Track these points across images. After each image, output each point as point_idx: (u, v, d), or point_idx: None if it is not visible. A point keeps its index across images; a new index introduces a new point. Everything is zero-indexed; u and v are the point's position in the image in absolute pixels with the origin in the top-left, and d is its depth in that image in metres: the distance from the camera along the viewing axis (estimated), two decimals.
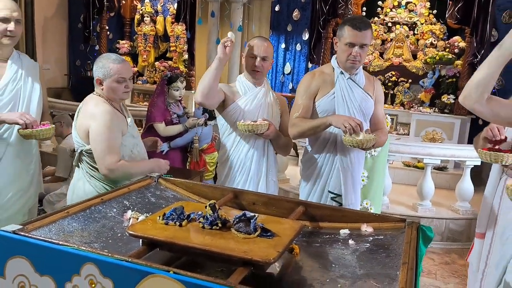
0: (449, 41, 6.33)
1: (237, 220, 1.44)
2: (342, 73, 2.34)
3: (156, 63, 8.32)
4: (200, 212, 1.53)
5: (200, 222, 1.46)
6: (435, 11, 6.67)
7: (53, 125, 2.54)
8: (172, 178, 2.12)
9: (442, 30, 6.48)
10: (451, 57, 6.08)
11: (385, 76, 6.60)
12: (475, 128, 5.91)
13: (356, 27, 2.22)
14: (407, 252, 1.44)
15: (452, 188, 5.04)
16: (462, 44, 6.09)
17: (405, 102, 6.40)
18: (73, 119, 2.42)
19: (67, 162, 4.75)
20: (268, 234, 1.41)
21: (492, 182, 2.41)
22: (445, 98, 5.89)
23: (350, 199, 2.36)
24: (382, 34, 6.87)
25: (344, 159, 2.36)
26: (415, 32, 6.81)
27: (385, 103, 6.70)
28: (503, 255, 1.76)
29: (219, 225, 1.43)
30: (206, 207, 1.49)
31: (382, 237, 1.66)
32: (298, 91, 2.44)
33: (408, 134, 5.93)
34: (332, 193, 2.39)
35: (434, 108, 6.00)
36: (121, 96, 2.37)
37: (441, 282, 3.49)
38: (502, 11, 6.06)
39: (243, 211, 1.47)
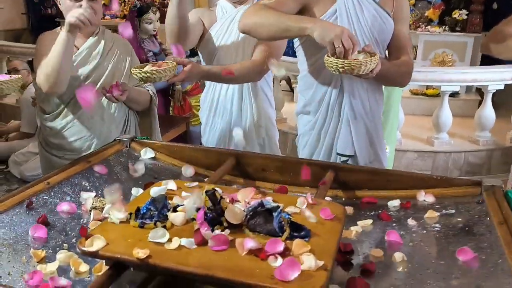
0: None
1: (250, 213, 0.93)
2: None
3: None
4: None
5: (194, 219, 0.95)
6: None
7: None
8: (149, 141, 1.58)
9: None
10: None
11: None
12: None
13: None
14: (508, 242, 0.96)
15: (465, 115, 4.59)
16: None
17: (411, 22, 5.72)
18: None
19: (32, 115, 4.14)
20: (302, 233, 0.91)
21: None
22: (456, 14, 5.24)
23: (367, 159, 1.77)
24: None
25: (355, 106, 1.73)
26: None
27: None
28: None
29: (225, 224, 0.92)
30: (202, 194, 0.96)
31: (454, 211, 1.17)
32: None
33: (415, 58, 5.34)
34: (343, 155, 1.78)
35: (443, 26, 5.38)
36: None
37: None
38: None
39: (260, 200, 0.95)
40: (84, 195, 1.22)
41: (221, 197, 0.95)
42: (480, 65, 5.02)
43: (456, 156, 3.81)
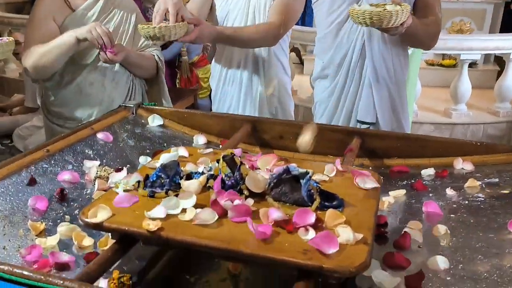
0: None
1: (275, 181, 0.81)
2: None
3: None
4: (208, 167, 0.90)
5: (210, 187, 0.84)
6: None
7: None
8: (157, 108, 1.46)
9: None
10: None
11: None
12: (509, 14, 5.10)
13: None
14: None
15: (483, 86, 4.42)
16: None
17: None
18: None
19: (35, 89, 4.03)
20: (335, 203, 0.79)
21: None
22: None
23: (389, 127, 1.66)
24: None
25: (378, 68, 1.60)
26: None
27: None
28: None
29: (245, 192, 0.81)
30: (218, 161, 0.85)
31: (497, 179, 1.05)
32: None
33: None
34: (364, 122, 1.65)
35: None
36: None
37: None
38: None
39: (286, 166, 0.83)
40: (88, 163, 1.11)
41: (241, 163, 0.84)
42: (500, 32, 4.81)
43: (474, 128, 3.66)
